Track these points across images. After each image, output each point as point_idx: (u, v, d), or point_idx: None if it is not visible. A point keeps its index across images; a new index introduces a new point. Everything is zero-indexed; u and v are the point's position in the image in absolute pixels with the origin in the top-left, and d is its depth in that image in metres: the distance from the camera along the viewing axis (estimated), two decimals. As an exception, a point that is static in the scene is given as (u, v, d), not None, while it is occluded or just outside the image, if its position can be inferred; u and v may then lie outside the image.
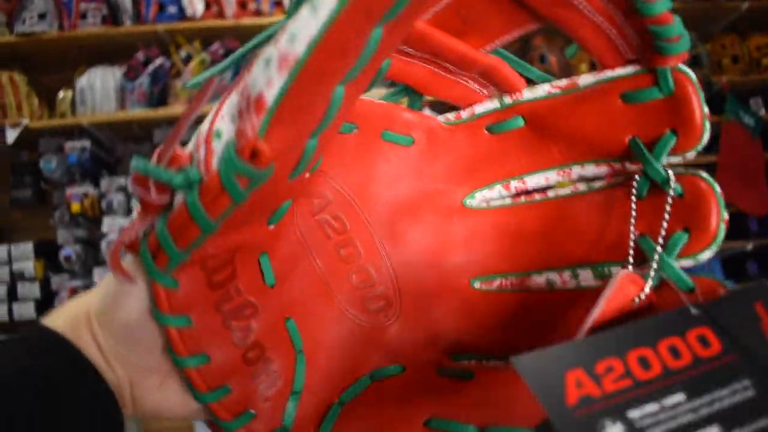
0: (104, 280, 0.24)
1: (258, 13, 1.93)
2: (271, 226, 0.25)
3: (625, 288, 0.22)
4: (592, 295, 0.25)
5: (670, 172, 0.23)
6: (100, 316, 0.23)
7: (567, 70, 1.97)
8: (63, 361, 0.22)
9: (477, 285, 0.29)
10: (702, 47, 2.08)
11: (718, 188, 0.23)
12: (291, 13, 0.18)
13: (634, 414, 0.17)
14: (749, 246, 2.06)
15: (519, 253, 0.29)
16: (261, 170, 0.18)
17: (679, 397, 0.18)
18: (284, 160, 0.20)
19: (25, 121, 1.81)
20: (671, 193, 0.23)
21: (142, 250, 0.21)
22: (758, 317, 0.21)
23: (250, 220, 0.23)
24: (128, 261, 0.23)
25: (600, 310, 0.21)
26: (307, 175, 0.24)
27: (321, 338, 0.27)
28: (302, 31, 0.16)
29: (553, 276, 0.27)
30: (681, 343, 0.19)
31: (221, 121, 0.19)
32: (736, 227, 2.09)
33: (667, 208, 0.23)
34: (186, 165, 0.20)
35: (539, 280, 0.28)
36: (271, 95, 0.17)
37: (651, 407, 0.18)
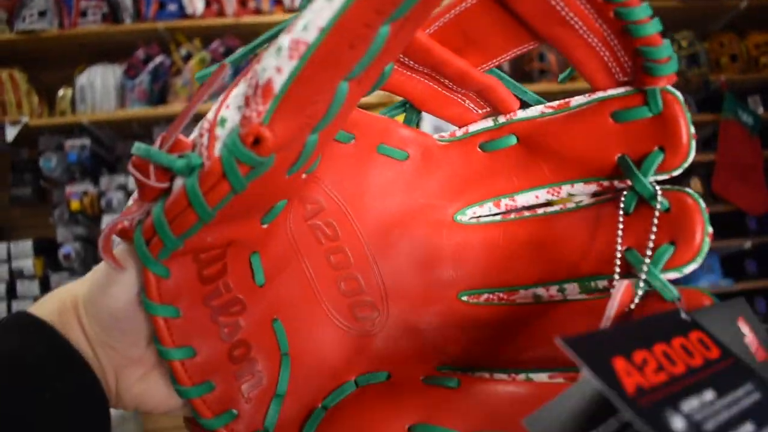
0: (94, 268, 0.24)
1: (258, 11, 1.93)
2: (265, 225, 0.25)
3: (625, 296, 0.22)
4: (578, 306, 0.26)
5: (657, 187, 0.24)
6: (87, 303, 0.23)
7: (566, 68, 1.97)
8: (48, 348, 0.22)
9: (464, 299, 0.30)
10: (700, 45, 2.08)
11: (703, 203, 0.24)
12: (305, 4, 0.18)
13: (685, 407, 0.17)
14: (748, 244, 2.06)
15: (507, 269, 0.29)
16: (263, 158, 0.19)
17: (710, 395, 0.18)
18: (285, 152, 0.20)
19: (25, 119, 1.81)
20: (658, 207, 0.24)
21: (136, 236, 0.21)
22: (741, 333, 0.21)
23: (245, 215, 0.23)
24: (120, 249, 0.22)
25: (613, 314, 0.21)
26: (304, 175, 0.25)
27: (306, 341, 0.28)
28: (315, 19, 0.17)
29: (541, 290, 0.28)
30: (688, 343, 0.20)
31: (226, 110, 0.19)
32: (735, 225, 2.09)
33: (655, 221, 0.24)
34: (188, 151, 0.20)
35: (526, 294, 0.28)
36: (279, 81, 0.17)
37: (695, 402, 0.18)
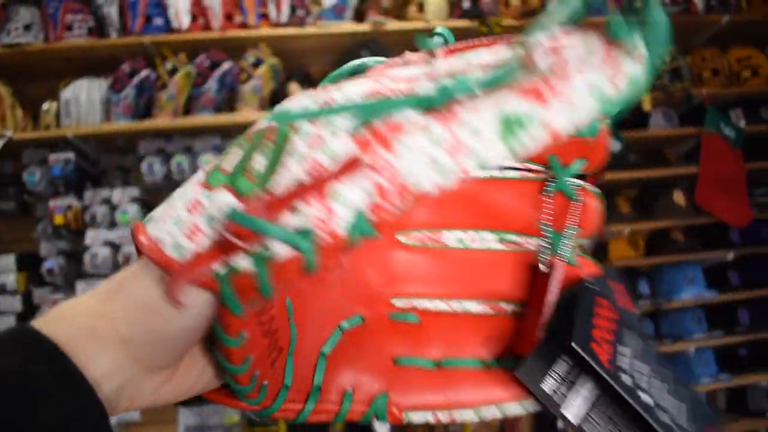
0: (120, 288, 0.23)
1: (244, 25, 1.95)
2: None
3: (561, 275, 0.30)
4: (501, 255, 0.33)
5: (574, 183, 0.30)
6: (138, 332, 0.23)
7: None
8: (49, 365, 0.21)
9: (398, 237, 0.33)
10: (682, 60, 2.11)
11: (599, 199, 0.31)
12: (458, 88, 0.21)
13: (622, 364, 0.26)
14: (730, 256, 2.08)
15: (436, 213, 0.33)
16: (380, 234, 0.22)
17: (624, 349, 0.27)
18: None
19: (9, 133, 1.81)
20: (576, 201, 0.30)
21: (225, 290, 0.22)
22: (611, 289, 0.30)
23: None
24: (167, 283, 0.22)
25: (556, 290, 0.29)
26: None
27: (302, 303, 0.31)
28: (485, 153, 0.21)
29: (462, 235, 0.33)
30: (604, 311, 0.28)
31: (342, 186, 0.21)
32: (718, 237, 2.11)
33: (574, 212, 0.31)
34: (284, 212, 0.21)
35: (450, 236, 0.33)
36: (422, 190, 0.21)
37: (623, 357, 0.26)
